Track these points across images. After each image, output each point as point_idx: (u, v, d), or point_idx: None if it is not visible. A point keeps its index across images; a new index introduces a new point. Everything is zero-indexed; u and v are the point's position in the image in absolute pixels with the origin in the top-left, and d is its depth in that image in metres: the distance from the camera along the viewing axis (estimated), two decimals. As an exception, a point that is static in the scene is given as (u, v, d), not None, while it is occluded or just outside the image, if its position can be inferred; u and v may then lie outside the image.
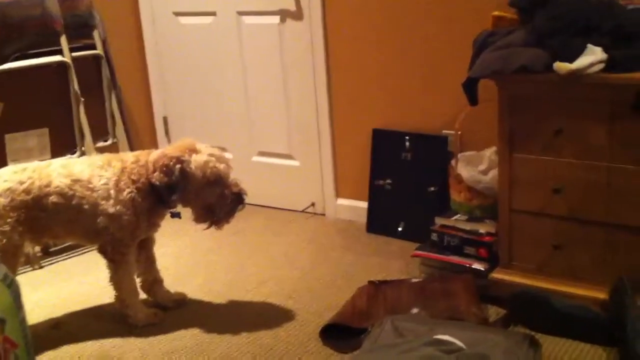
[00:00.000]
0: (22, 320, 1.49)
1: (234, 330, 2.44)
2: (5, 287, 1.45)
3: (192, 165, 2.34)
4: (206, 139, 3.54)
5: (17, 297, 1.48)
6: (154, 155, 2.40)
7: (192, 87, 3.74)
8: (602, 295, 2.21)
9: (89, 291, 2.80)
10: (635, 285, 2.10)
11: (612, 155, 2.14)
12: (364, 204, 3.26)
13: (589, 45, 2.07)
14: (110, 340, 2.43)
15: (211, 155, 2.38)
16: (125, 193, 2.34)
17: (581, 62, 2.06)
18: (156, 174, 2.32)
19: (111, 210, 2.33)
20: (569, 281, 2.30)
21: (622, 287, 2.12)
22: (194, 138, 2.33)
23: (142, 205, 2.37)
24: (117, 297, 2.49)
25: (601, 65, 2.05)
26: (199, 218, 2.45)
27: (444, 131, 2.96)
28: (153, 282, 2.62)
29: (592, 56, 2.06)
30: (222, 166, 2.39)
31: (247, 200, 2.45)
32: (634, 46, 2.05)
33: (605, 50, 2.05)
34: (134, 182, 2.35)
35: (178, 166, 2.32)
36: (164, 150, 2.42)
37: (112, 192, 2.34)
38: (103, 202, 2.33)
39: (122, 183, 2.34)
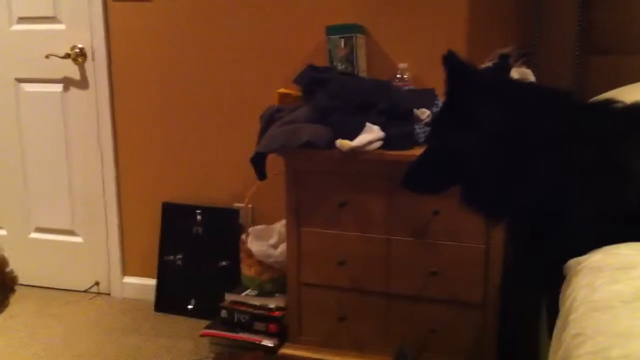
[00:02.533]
0: None
1: None
2: None
3: None
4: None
5: None
6: None
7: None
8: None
9: None
10: (415, 351, 2.18)
11: (390, 228, 2.24)
12: (152, 282, 3.11)
13: (368, 124, 2.18)
14: None
15: None
16: None
17: (361, 139, 2.16)
18: None
19: None
20: (354, 352, 2.35)
21: (402, 354, 2.20)
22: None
23: None
24: None
25: (380, 143, 2.17)
26: None
27: (235, 204, 2.95)
28: None
29: (371, 134, 2.17)
30: None
31: (23, 280, 2.24)
32: (407, 124, 2.19)
33: (383, 128, 2.17)
34: None
35: None
36: None
37: None
38: None
39: None
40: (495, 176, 1.43)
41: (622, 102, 1.44)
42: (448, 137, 1.50)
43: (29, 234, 3.36)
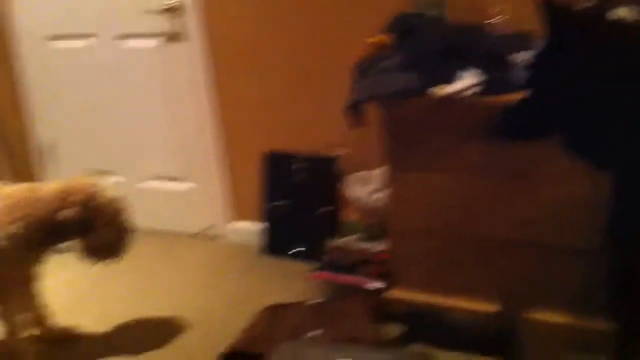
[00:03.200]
0: None
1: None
2: None
3: (102, 200, 2.33)
4: (95, 165, 3.46)
5: None
6: (52, 189, 2.32)
7: (77, 112, 3.60)
8: (492, 308, 2.27)
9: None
10: (523, 297, 2.17)
11: (490, 174, 2.21)
12: (259, 226, 3.23)
13: (462, 70, 2.13)
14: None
15: (107, 188, 2.37)
16: (12, 227, 2.23)
17: (456, 86, 2.12)
18: (68, 210, 2.27)
19: None
20: (461, 296, 2.36)
21: (510, 299, 2.20)
22: (82, 165, 2.26)
23: (31, 240, 2.27)
24: (5, 334, 2.37)
25: (475, 89, 2.12)
26: (95, 252, 2.39)
27: (334, 152, 2.98)
28: (40, 317, 2.53)
29: (466, 80, 2.12)
30: (119, 199, 2.40)
31: (140, 225, 2.48)
32: (502, 70, 2.12)
33: (477, 74, 2.11)
34: (24, 216, 2.25)
35: (92, 202, 2.30)
36: (67, 186, 2.34)
37: None
38: None
39: (6, 217, 2.23)
40: (604, 121, 1.35)
41: None
42: (552, 80, 1.42)
43: (145, 181, 3.56)
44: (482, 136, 2.16)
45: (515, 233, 2.21)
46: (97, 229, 2.35)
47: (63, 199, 2.30)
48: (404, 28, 2.27)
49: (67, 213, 2.29)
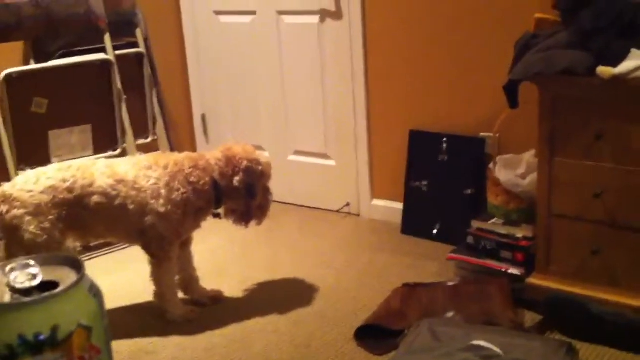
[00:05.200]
0: (106, 327, 1.53)
1: (271, 328, 2.47)
2: (92, 297, 1.50)
3: (263, 166, 2.51)
4: (243, 138, 3.63)
5: (101, 306, 1.53)
6: (216, 156, 2.48)
7: (230, 85, 3.78)
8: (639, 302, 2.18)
9: (127, 287, 2.85)
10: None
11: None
12: (399, 205, 3.25)
13: (634, 49, 2.04)
14: (148, 336, 2.46)
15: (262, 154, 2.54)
16: (177, 193, 2.39)
17: (625, 66, 2.03)
18: (238, 177, 2.44)
19: (161, 209, 2.38)
20: (607, 287, 2.27)
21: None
22: (232, 136, 2.38)
23: (194, 206, 2.44)
24: (157, 293, 2.53)
25: (646, 70, 2.02)
26: (244, 216, 2.54)
27: (482, 133, 2.94)
28: (190, 279, 2.67)
29: (637, 60, 2.03)
30: (270, 165, 2.58)
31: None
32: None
33: (651, 54, 2.02)
34: (191, 183, 2.42)
35: (258, 167, 2.49)
36: (230, 152, 2.49)
37: (162, 192, 2.38)
38: (153, 201, 2.38)
39: (175, 183, 2.40)
40: None
41: None
42: None
43: (288, 156, 3.67)
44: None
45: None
46: (257, 193, 2.50)
47: (233, 165, 2.45)
48: (574, 3, 2.19)
49: (239, 179, 2.44)
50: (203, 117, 3.96)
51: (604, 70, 2.06)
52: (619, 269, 2.25)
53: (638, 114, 2.09)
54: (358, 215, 3.48)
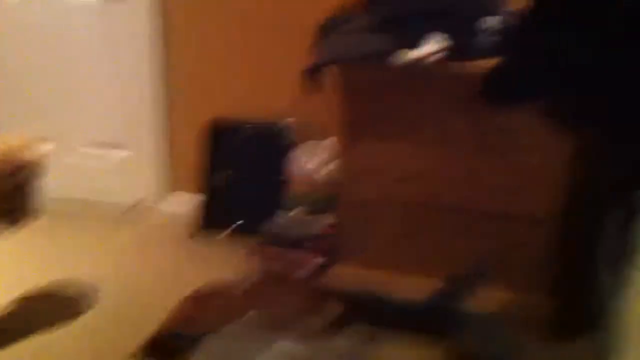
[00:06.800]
0: None
1: (56, 343, 2.20)
2: None
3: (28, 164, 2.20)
4: (30, 129, 3.22)
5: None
6: None
7: (12, 74, 3.35)
8: (442, 284, 2.21)
9: None
10: (476, 272, 2.12)
11: (454, 143, 2.15)
12: (200, 198, 3.09)
13: (432, 33, 2.07)
14: None
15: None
16: None
17: (423, 50, 2.05)
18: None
19: None
20: (412, 271, 2.29)
21: (458, 277, 2.15)
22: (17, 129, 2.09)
23: None
24: None
25: (444, 53, 2.06)
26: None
27: (285, 120, 2.88)
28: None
29: (435, 44, 2.06)
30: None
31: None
32: (475, 34, 2.07)
33: (448, 37, 2.05)
34: None
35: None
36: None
37: None
38: None
39: None
40: (600, 75, 1.30)
41: None
42: (539, 37, 1.37)
43: (80, 147, 3.35)
44: (448, 103, 2.11)
45: (478, 204, 2.17)
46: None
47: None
48: (376, -14, 2.19)
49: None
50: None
51: (404, 54, 2.06)
52: (424, 253, 2.29)
53: (439, 98, 2.13)
54: (157, 209, 3.26)
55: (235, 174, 3.00)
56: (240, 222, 2.96)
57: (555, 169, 2.05)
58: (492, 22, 2.12)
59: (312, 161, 2.60)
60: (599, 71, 1.30)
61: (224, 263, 2.72)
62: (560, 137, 1.82)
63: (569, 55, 1.34)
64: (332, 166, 2.54)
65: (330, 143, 2.65)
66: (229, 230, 2.96)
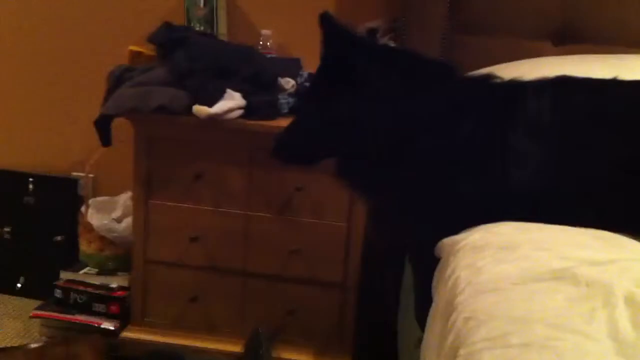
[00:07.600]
0: None
1: None
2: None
3: None
4: None
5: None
6: None
7: None
8: (239, 348, 2.14)
9: None
10: (270, 335, 2.08)
11: (249, 203, 2.12)
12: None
13: (229, 90, 2.03)
14: None
15: None
16: None
17: (220, 106, 2.01)
18: None
19: None
20: (206, 335, 2.21)
21: (257, 338, 2.09)
22: None
23: None
24: None
25: (240, 111, 2.03)
26: None
27: (74, 173, 2.69)
28: None
29: (232, 101, 2.02)
30: None
31: None
32: (271, 93, 2.07)
33: (244, 96, 2.03)
34: None
35: None
36: None
37: None
38: None
39: None
40: (376, 145, 1.33)
41: (500, 77, 1.40)
42: (327, 103, 1.38)
43: None
44: (243, 162, 2.07)
45: (273, 266, 2.14)
46: None
47: None
48: (172, 39, 2.11)
49: None
50: None
51: (200, 110, 2.00)
52: (217, 315, 2.21)
53: (235, 156, 2.09)
54: None
55: (17, 230, 2.73)
56: (21, 282, 2.70)
57: (349, 230, 2.09)
58: (290, 83, 2.14)
59: (104, 217, 2.43)
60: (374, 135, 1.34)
61: (5, 326, 2.48)
62: (356, 199, 1.86)
63: (351, 120, 1.36)
64: (126, 223, 2.39)
65: (125, 199, 2.50)
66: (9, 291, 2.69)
